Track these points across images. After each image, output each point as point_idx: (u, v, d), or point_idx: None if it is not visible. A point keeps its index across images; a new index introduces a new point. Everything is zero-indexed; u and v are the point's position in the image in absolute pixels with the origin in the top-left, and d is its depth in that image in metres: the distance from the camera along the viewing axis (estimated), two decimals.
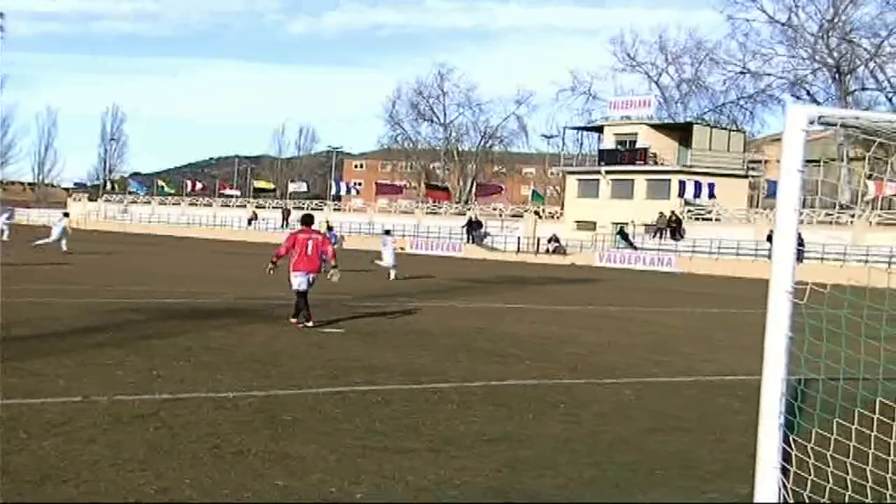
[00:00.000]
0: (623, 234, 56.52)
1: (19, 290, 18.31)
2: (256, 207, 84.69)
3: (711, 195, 58.48)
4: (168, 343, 12.19)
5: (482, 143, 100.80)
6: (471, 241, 61.69)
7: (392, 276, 29.90)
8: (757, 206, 64.23)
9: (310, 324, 14.83)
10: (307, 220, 16.03)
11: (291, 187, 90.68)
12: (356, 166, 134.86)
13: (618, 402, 9.85)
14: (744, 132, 72.55)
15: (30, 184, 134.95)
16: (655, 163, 63.01)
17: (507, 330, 16.47)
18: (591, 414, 9.06)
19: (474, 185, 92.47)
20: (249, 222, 78.39)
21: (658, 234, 56.50)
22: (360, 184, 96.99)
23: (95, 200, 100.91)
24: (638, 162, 63.16)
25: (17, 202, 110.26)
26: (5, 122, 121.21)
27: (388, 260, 30.73)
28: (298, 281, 15.05)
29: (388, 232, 33.45)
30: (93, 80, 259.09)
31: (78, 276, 23.86)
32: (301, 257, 15.06)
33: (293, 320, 15.03)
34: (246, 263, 36.11)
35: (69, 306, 16.30)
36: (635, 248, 54.95)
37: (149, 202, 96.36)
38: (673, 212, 57.08)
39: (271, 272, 15.33)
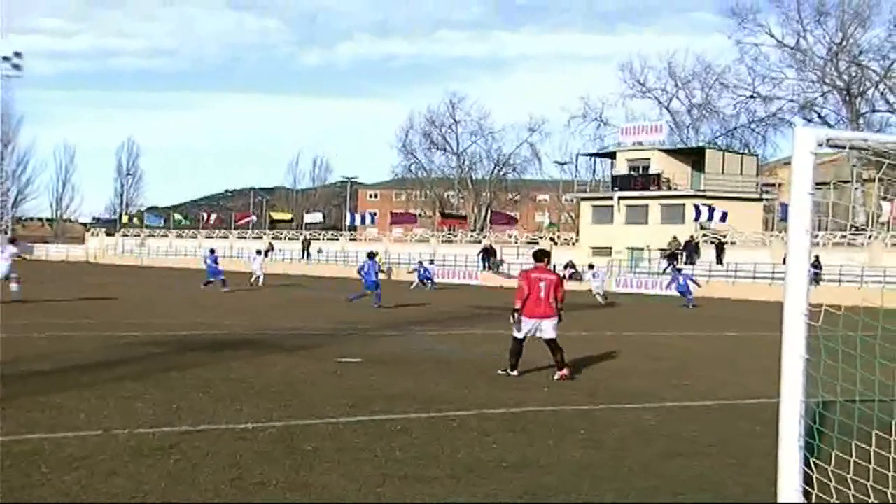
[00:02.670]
0: (672, 256, 55.40)
1: (41, 325, 18.43)
2: (273, 238, 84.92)
3: (723, 219, 58.38)
4: (187, 375, 12.22)
5: (496, 171, 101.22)
6: (486, 268, 61.69)
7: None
8: (772, 230, 64.05)
9: (513, 373, 13.19)
10: (540, 256, 13.83)
11: (307, 218, 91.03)
12: (371, 196, 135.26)
13: (638, 426, 9.81)
14: (756, 155, 72.67)
15: (48, 220, 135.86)
16: (669, 188, 63.05)
17: (525, 356, 16.41)
18: (612, 439, 9.03)
19: (489, 212, 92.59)
20: (266, 253, 78.61)
21: (673, 259, 56.29)
22: (374, 214, 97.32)
23: (113, 235, 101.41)
24: (651, 187, 63.24)
25: (35, 238, 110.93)
26: (24, 159, 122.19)
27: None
28: (526, 328, 13.21)
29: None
30: (109, 115, 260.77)
31: (97, 310, 23.96)
32: (532, 300, 13.16)
33: (514, 373, 13.27)
34: (262, 294, 36.18)
35: (89, 340, 16.37)
36: (673, 272, 54.21)
37: (166, 235, 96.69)
38: (692, 236, 56.92)
39: (517, 321, 13.24)
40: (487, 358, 15.90)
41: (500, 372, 13.36)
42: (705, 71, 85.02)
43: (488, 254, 63.18)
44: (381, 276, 53.42)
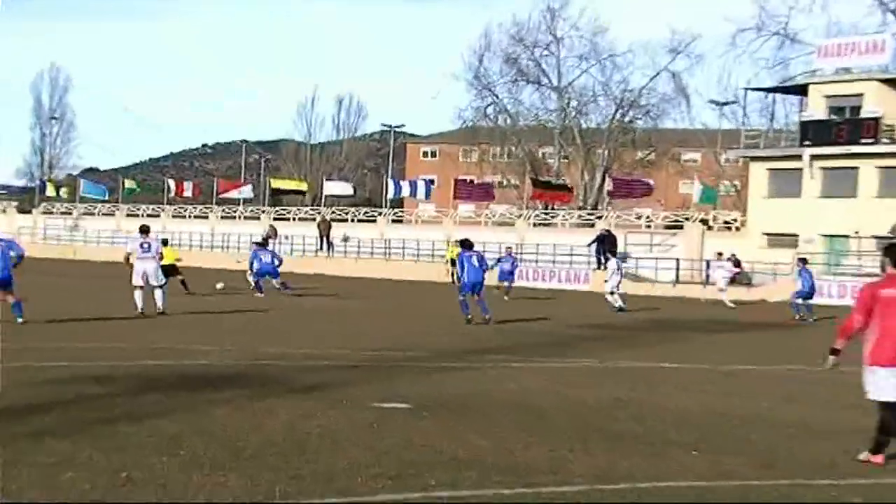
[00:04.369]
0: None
1: None
2: (275, 219, 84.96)
3: None
4: (145, 428, 12.31)
5: (618, 116, 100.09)
6: (602, 265, 61.44)
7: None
8: None
9: (877, 459, 11.92)
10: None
11: (328, 188, 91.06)
12: (426, 155, 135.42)
13: None
14: None
15: None
16: (893, 140, 62.02)
17: (661, 402, 16.36)
18: None
19: (606, 179, 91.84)
20: (266, 242, 78.14)
21: None
22: (431, 181, 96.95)
23: (29, 212, 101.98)
24: (863, 139, 62.21)
25: None
26: None
27: None
28: (880, 384, 11.98)
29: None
30: (19, 30, 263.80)
31: (8, 330, 24.26)
32: (890, 336, 11.87)
33: (874, 458, 11.98)
34: (261, 305, 36.40)
35: None
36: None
37: (112, 213, 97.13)
38: None
39: (835, 366, 12.47)
40: (603, 404, 15.85)
41: (860, 458, 12.11)
42: None
43: (605, 243, 62.72)
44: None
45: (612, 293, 41.36)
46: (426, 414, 14.24)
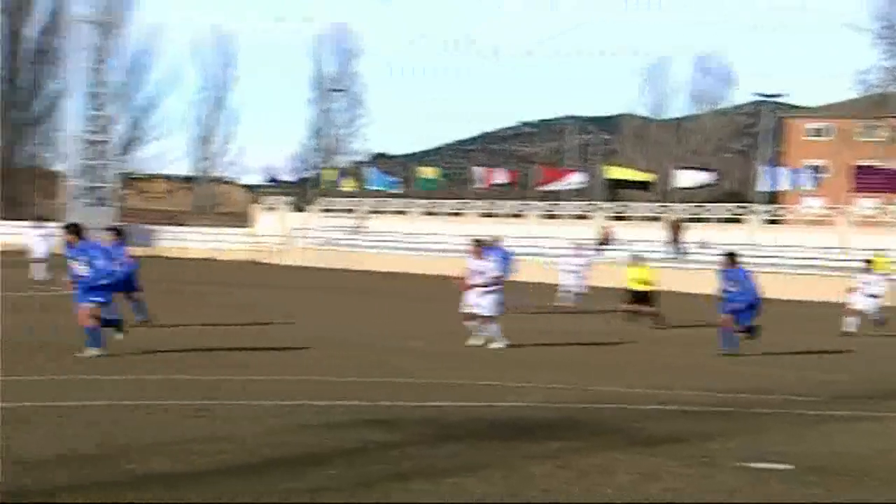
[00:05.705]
0: None
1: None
2: (615, 216, 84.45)
3: None
4: (443, 488, 12.47)
5: None
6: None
7: None
8: None
9: None
10: None
11: (680, 178, 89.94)
12: (811, 133, 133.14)
13: None
14: None
15: (185, 178, 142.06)
16: None
17: None
18: None
19: None
20: (601, 246, 77.60)
21: None
22: (820, 170, 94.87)
23: (302, 209, 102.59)
24: None
25: (156, 216, 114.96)
26: (136, 63, 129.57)
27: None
28: None
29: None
30: None
31: (294, 361, 24.93)
32: None
33: None
34: (582, 324, 36.48)
35: (247, 416, 17.10)
36: None
37: (403, 211, 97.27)
38: None
39: None
40: None
41: None
42: None
43: None
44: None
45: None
46: (813, 479, 14.00)
